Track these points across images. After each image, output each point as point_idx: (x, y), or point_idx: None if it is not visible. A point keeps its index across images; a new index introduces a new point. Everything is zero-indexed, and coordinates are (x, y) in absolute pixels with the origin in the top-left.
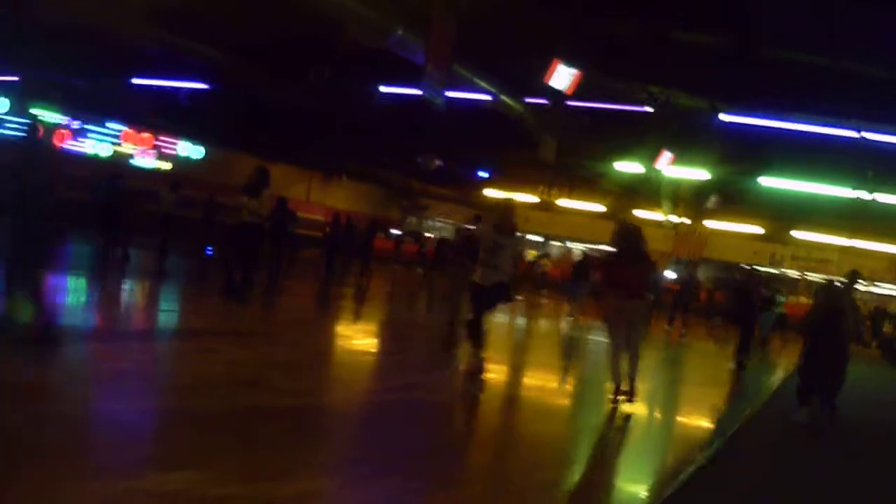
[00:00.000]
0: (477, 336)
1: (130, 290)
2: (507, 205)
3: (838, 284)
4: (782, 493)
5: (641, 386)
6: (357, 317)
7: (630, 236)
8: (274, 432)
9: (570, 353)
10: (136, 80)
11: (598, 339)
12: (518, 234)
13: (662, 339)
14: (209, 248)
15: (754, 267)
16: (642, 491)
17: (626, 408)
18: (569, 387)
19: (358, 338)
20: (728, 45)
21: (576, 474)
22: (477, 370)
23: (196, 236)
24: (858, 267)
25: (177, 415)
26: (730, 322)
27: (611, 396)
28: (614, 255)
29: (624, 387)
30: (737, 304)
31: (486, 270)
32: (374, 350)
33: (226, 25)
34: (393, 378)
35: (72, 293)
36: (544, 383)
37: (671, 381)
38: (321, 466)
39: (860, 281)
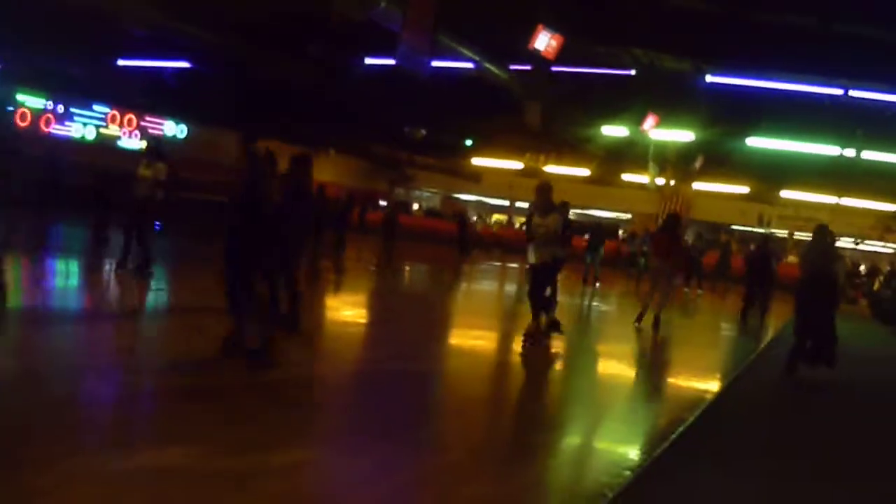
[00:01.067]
0: (535, 308)
1: (117, 272)
2: (541, 185)
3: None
4: (776, 449)
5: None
6: (337, 289)
7: (671, 222)
8: (265, 405)
9: (578, 319)
10: (122, 62)
11: (605, 306)
12: (562, 209)
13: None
14: (158, 224)
15: (770, 232)
16: (633, 451)
17: (627, 363)
18: (567, 352)
19: (340, 310)
20: (718, 7)
21: (566, 436)
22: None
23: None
24: (847, 225)
25: (166, 392)
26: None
27: (635, 322)
28: (658, 230)
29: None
30: (753, 270)
31: (535, 250)
32: (361, 321)
33: (217, 5)
34: (381, 348)
35: (62, 276)
36: (545, 349)
37: (676, 339)
38: (313, 436)
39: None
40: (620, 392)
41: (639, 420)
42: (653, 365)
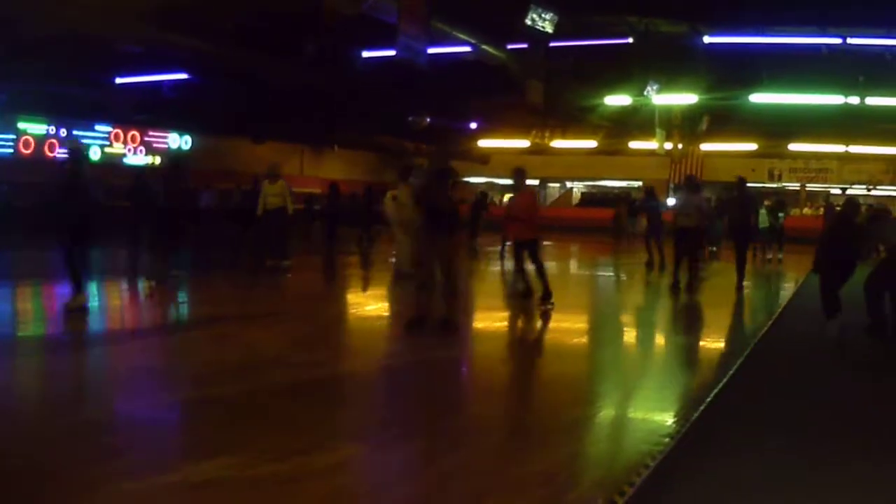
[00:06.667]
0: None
1: (142, 288)
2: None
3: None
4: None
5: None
6: (366, 285)
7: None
8: (300, 407)
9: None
10: (119, 80)
11: (607, 274)
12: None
13: None
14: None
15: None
16: (668, 419)
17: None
18: (586, 325)
19: (369, 305)
20: None
21: (600, 410)
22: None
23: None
24: (857, 172)
25: (201, 403)
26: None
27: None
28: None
29: None
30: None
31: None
32: (385, 315)
33: (210, 14)
34: (404, 341)
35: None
36: (560, 323)
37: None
38: (350, 435)
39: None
40: (656, 356)
41: (674, 386)
42: None
